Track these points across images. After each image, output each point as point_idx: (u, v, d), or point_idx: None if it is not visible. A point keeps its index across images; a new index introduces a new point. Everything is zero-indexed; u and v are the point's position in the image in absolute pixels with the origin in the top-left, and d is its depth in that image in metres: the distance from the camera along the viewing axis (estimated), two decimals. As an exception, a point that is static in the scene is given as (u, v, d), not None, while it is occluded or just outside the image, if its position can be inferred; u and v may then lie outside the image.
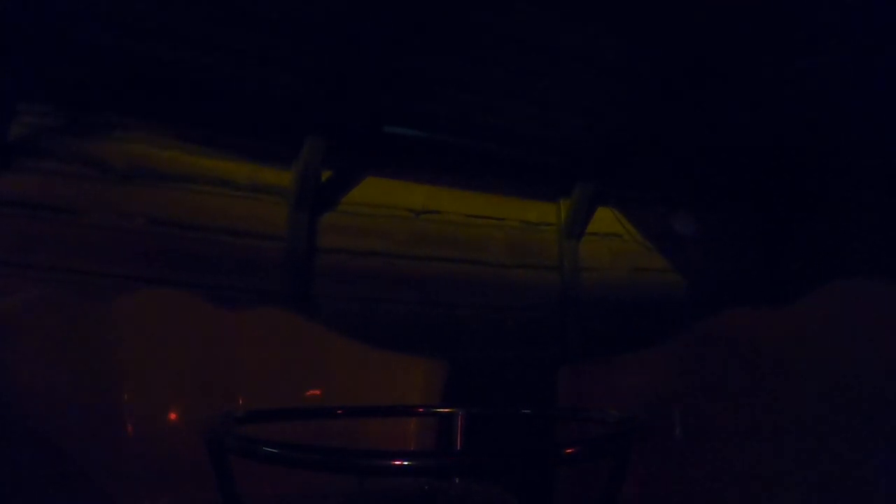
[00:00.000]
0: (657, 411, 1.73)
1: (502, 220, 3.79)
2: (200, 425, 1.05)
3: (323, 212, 3.31)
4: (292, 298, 3.08)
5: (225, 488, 1.04)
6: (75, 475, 1.59)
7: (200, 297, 2.24)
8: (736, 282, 4.09)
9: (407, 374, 2.09)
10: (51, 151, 2.77)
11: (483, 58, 2.91)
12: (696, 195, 4.22)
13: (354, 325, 2.45)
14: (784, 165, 4.00)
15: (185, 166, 3.04)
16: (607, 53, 2.93)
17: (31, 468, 1.49)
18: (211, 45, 2.72)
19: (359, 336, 2.33)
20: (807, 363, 1.41)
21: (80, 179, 2.81)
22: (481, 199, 3.76)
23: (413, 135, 3.50)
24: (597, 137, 3.64)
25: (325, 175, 3.32)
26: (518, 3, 2.58)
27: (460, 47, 2.84)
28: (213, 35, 2.67)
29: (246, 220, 3.12)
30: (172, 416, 1.92)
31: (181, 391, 1.97)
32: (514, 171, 3.83)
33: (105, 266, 2.76)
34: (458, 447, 1.48)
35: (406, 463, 0.92)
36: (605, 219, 4.01)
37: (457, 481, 1.39)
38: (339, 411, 1.74)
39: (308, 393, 2.11)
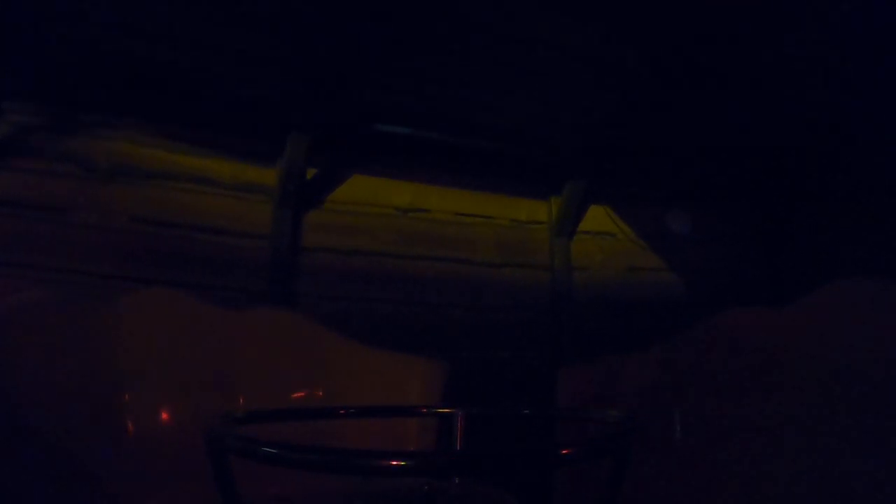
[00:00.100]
0: (657, 411, 1.76)
1: (491, 219, 3.80)
2: (200, 425, 1.06)
3: (308, 210, 3.34)
4: (276, 297, 3.10)
5: (225, 488, 1.05)
6: (74, 475, 1.59)
7: (200, 297, 2.26)
8: (733, 281, 4.09)
9: (406, 375, 2.11)
10: (36, 150, 2.81)
11: (471, 53, 2.91)
12: (692, 193, 4.21)
13: (340, 325, 2.45)
14: (782, 163, 4.00)
15: (170, 165, 3.07)
16: (598, 48, 2.92)
17: (31, 468, 1.49)
18: (195, 43, 2.74)
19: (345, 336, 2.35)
20: (807, 363, 1.44)
21: (65, 178, 2.84)
22: (470, 196, 3.77)
23: (400, 132, 3.51)
24: (587, 134, 3.64)
25: (311, 173, 3.34)
26: (506, -3, 2.59)
27: (447, 43, 2.83)
28: (197, 34, 2.69)
29: (230, 218, 3.14)
30: (173, 416, 1.93)
31: (181, 391, 1.99)
32: (504, 168, 3.84)
33: (89, 264, 2.80)
34: (458, 447, 1.49)
35: (406, 463, 0.93)
36: (598, 217, 4.02)
37: (456, 481, 1.40)
38: (342, 411, 1.75)
39: (308, 393, 2.12)
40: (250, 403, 2.07)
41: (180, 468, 1.55)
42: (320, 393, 2.14)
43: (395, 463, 0.93)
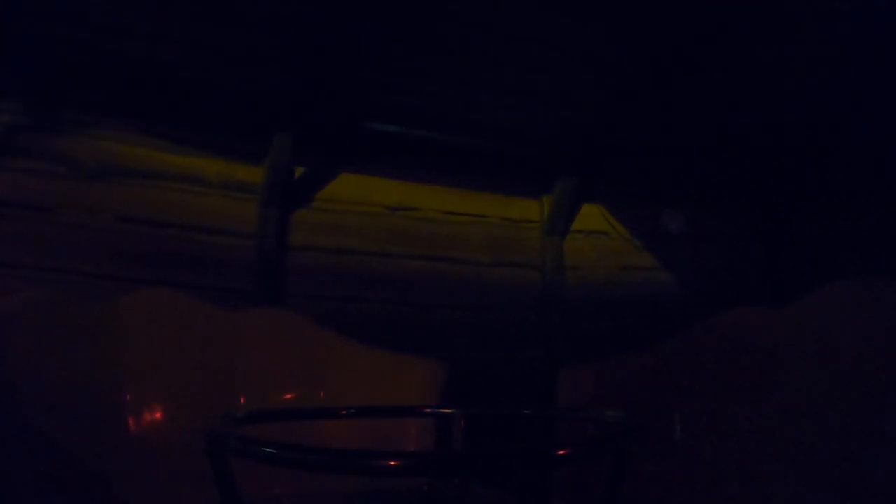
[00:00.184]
0: (656, 412, 1.77)
1: (482, 217, 3.80)
2: (200, 425, 1.07)
3: (295, 209, 3.34)
4: (262, 297, 3.11)
5: (225, 488, 1.05)
6: (74, 475, 1.59)
7: (200, 297, 2.27)
8: (730, 281, 4.11)
9: (394, 374, 2.12)
10: (21, 149, 2.81)
11: (462, 50, 2.92)
12: (688, 192, 4.21)
13: (326, 325, 2.46)
14: (781, 162, 4.01)
15: (156, 163, 3.07)
16: (590, 42, 2.92)
17: (30, 468, 1.49)
18: (181, 41, 2.75)
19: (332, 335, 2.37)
20: (807, 363, 1.46)
21: (51, 177, 2.84)
22: (460, 195, 3.77)
23: (389, 130, 3.52)
24: (579, 130, 3.65)
25: (299, 171, 3.35)
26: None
27: (438, 40, 2.84)
28: (183, 31, 2.70)
29: (217, 217, 3.15)
30: (172, 416, 1.93)
31: (181, 392, 1.99)
32: (495, 166, 3.84)
33: (75, 264, 2.81)
34: (458, 447, 1.51)
35: (406, 463, 0.94)
36: (592, 216, 4.02)
37: (456, 481, 1.41)
38: (342, 412, 1.76)
39: (300, 393, 2.13)
40: (255, 405, 2.08)
41: (180, 468, 1.55)
42: (328, 394, 2.15)
43: (395, 463, 0.94)
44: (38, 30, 2.64)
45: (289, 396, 2.16)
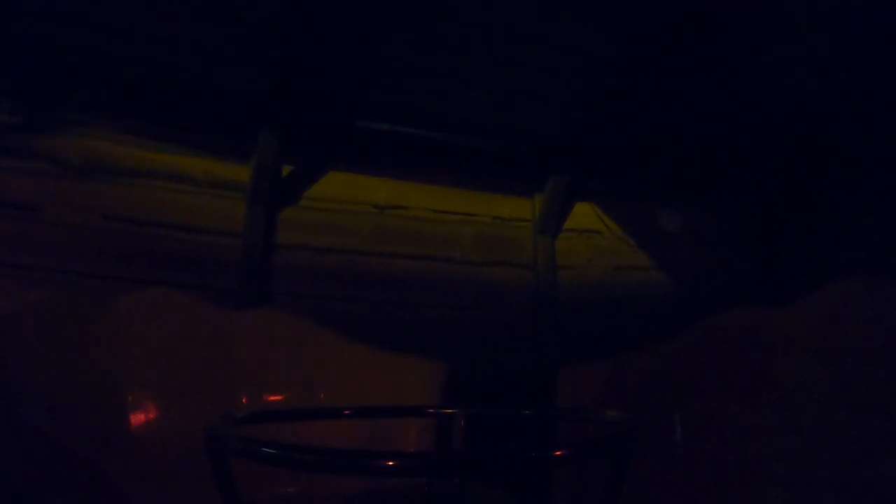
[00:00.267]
0: (655, 412, 1.78)
1: (473, 216, 3.79)
2: (200, 426, 1.07)
3: (283, 207, 3.35)
4: (248, 296, 3.11)
5: (225, 488, 1.06)
6: (74, 475, 1.60)
7: (200, 297, 2.28)
8: (727, 281, 4.11)
9: (395, 374, 2.13)
10: (8, 148, 2.82)
11: (451, 47, 2.93)
12: (683, 190, 4.22)
13: (315, 324, 2.47)
14: (780, 160, 4.02)
15: (143, 162, 3.10)
16: (583, 40, 2.93)
17: (29, 468, 1.50)
18: (167, 39, 2.79)
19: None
20: (807, 364, 1.47)
21: (38, 176, 2.87)
22: (450, 194, 3.77)
23: (378, 128, 3.52)
24: (572, 128, 3.65)
25: (287, 170, 3.37)
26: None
27: (425, 36, 2.85)
28: (169, 30, 2.75)
29: (204, 216, 3.17)
30: (172, 416, 1.94)
31: (181, 392, 2.00)
32: (486, 164, 3.84)
33: (62, 262, 2.83)
34: (459, 447, 1.51)
35: (406, 463, 0.95)
36: (585, 214, 4.02)
37: (456, 481, 1.42)
38: (342, 412, 1.77)
39: (300, 392, 2.14)
40: (255, 405, 2.09)
41: (180, 468, 1.56)
42: (328, 394, 2.17)
43: (395, 463, 0.95)
44: (25, 31, 2.67)
45: (279, 397, 2.18)
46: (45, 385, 1.81)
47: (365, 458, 0.97)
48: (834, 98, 3.30)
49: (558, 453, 1.07)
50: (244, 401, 2.10)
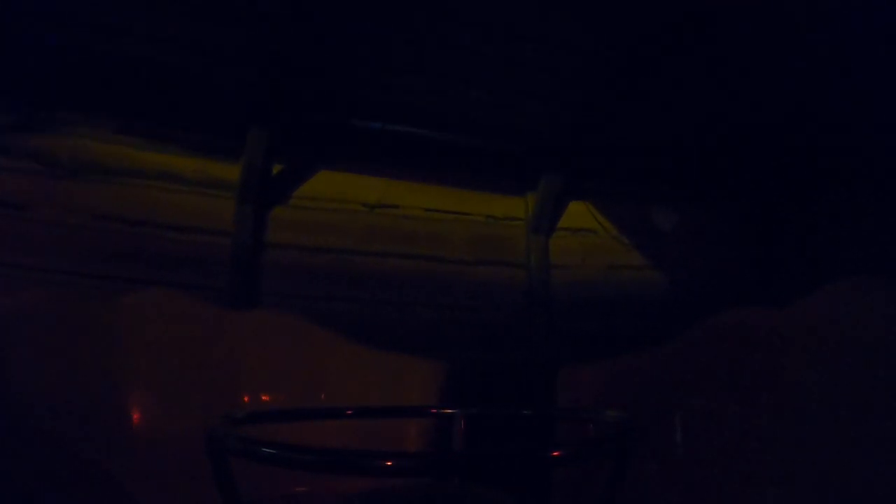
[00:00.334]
0: (656, 412, 1.78)
1: (465, 215, 3.80)
2: (201, 426, 1.08)
3: (273, 206, 3.37)
4: (237, 296, 3.12)
5: (225, 489, 1.07)
6: (74, 475, 1.60)
7: (200, 297, 2.30)
8: (725, 280, 4.11)
9: (397, 375, 2.14)
10: None
11: (441, 43, 2.92)
12: (680, 189, 4.22)
13: (305, 325, 2.48)
14: (777, 158, 4.02)
15: (133, 161, 3.12)
16: (576, 36, 2.92)
17: (30, 467, 1.50)
18: (158, 39, 2.80)
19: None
20: (807, 364, 1.47)
21: (27, 175, 2.89)
22: (442, 192, 3.77)
23: (369, 126, 3.53)
24: (565, 125, 3.63)
25: (277, 169, 3.38)
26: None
27: (417, 33, 2.84)
28: (160, 29, 2.75)
29: (193, 215, 3.18)
30: (173, 416, 1.95)
31: (181, 392, 2.01)
32: (478, 162, 3.84)
33: (52, 262, 2.85)
34: (459, 448, 1.52)
35: (406, 463, 0.95)
36: (579, 213, 4.02)
37: (456, 481, 1.43)
38: (342, 412, 1.77)
39: (301, 393, 2.15)
40: (255, 405, 2.11)
41: (180, 468, 1.57)
42: (327, 394, 2.18)
43: (395, 463, 0.95)
44: (16, 31, 2.69)
45: (271, 397, 2.19)
46: (38, 383, 1.82)
47: (365, 458, 0.97)
48: (834, 98, 3.29)
49: (558, 453, 1.08)
50: (233, 399, 2.11)
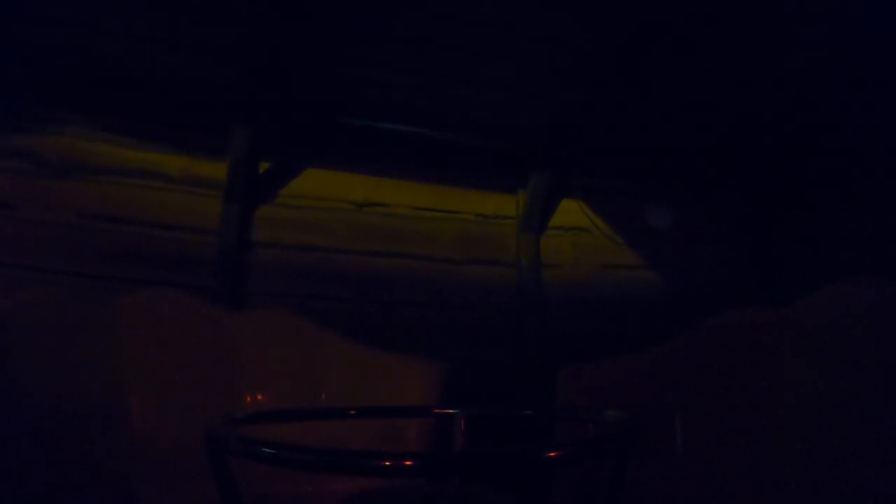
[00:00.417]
0: (654, 412, 1.79)
1: (454, 213, 3.77)
2: (198, 425, 1.08)
3: (259, 205, 3.36)
4: (223, 294, 3.12)
5: (225, 488, 1.07)
6: (74, 475, 1.61)
7: (199, 297, 2.31)
8: (721, 280, 4.10)
9: (395, 375, 2.14)
10: None
11: (430, 39, 2.89)
12: (676, 187, 4.21)
13: (289, 324, 2.48)
14: (776, 158, 4.01)
15: (120, 160, 3.12)
16: (565, 31, 2.88)
17: (29, 467, 1.51)
18: (143, 37, 2.79)
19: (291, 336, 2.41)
20: (805, 364, 1.48)
21: (15, 174, 2.90)
22: (431, 190, 3.75)
23: (357, 123, 3.51)
24: (554, 122, 3.60)
25: (264, 167, 3.38)
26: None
27: (405, 29, 2.82)
28: (145, 27, 2.73)
29: (180, 213, 3.18)
30: (173, 416, 1.95)
31: (181, 392, 2.02)
32: (468, 160, 3.81)
33: (38, 260, 2.85)
34: (459, 448, 1.52)
35: (406, 463, 0.96)
36: (571, 211, 3.99)
37: (456, 481, 1.43)
38: (342, 412, 1.78)
39: (303, 392, 2.16)
40: (255, 405, 2.12)
41: (180, 468, 1.57)
42: (327, 394, 2.19)
43: (395, 463, 0.96)
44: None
45: (263, 396, 2.21)
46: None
47: (364, 458, 0.98)
48: (834, 97, 3.29)
49: (558, 453, 1.08)
50: (231, 398, 2.12)
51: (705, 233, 4.23)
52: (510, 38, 2.91)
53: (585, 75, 3.22)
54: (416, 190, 3.71)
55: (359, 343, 2.41)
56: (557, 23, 2.84)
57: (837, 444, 1.37)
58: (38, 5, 2.55)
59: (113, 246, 3.00)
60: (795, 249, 4.10)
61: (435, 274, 3.64)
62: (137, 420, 1.94)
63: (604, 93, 3.35)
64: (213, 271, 3.16)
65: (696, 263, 4.14)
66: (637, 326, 3.80)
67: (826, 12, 2.62)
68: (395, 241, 3.59)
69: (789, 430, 1.46)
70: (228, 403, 2.12)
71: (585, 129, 3.67)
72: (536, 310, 3.76)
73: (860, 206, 3.78)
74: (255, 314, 2.51)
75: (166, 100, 3.19)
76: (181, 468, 1.56)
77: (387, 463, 0.96)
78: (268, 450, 0.96)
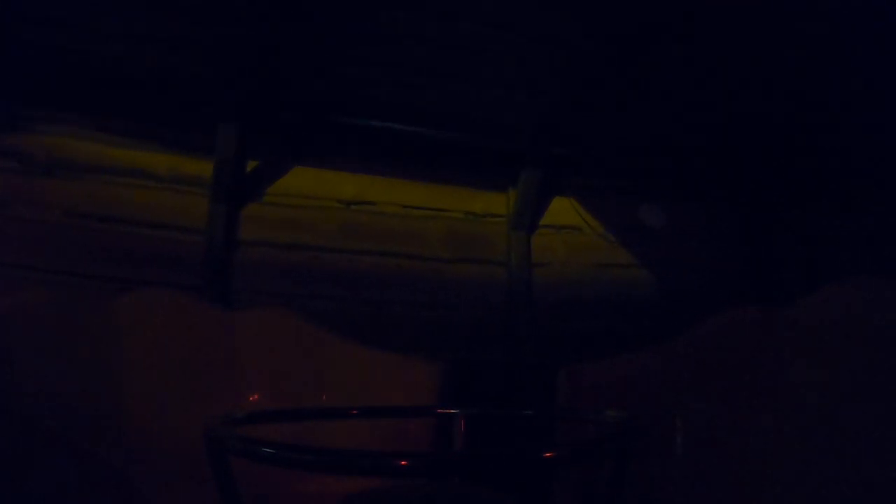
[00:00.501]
0: (657, 412, 1.79)
1: (443, 212, 3.75)
2: (197, 424, 1.08)
3: (246, 203, 3.35)
4: (210, 293, 3.11)
5: (225, 489, 1.07)
6: (74, 474, 1.61)
7: (189, 296, 2.31)
8: (718, 280, 4.08)
9: (396, 375, 2.15)
10: None
11: (419, 35, 2.88)
12: (670, 185, 4.18)
13: (279, 323, 2.47)
14: (775, 157, 4.00)
15: (107, 159, 3.13)
16: (557, 26, 2.87)
17: (28, 466, 1.50)
18: (128, 34, 2.79)
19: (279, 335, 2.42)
20: (805, 363, 1.48)
21: (3, 173, 2.90)
22: (420, 188, 3.73)
23: (344, 121, 3.49)
24: (547, 118, 3.57)
25: (251, 165, 3.38)
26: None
27: (393, 25, 2.80)
28: (128, 24, 2.74)
29: (167, 212, 3.18)
30: (173, 416, 1.96)
31: (181, 392, 2.02)
32: (457, 157, 3.78)
33: (25, 259, 2.85)
34: (459, 447, 1.52)
35: (406, 463, 0.96)
36: (563, 210, 3.96)
37: (456, 481, 1.43)
38: (342, 412, 1.78)
39: (300, 393, 2.17)
40: (255, 405, 2.13)
41: (180, 468, 1.58)
42: (328, 394, 2.20)
43: (395, 463, 0.96)
44: None
45: (254, 396, 2.21)
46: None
47: (364, 459, 0.98)
48: (834, 97, 3.29)
49: (558, 453, 1.08)
50: (229, 397, 2.13)
51: (703, 232, 4.21)
52: (503, 34, 2.90)
53: (580, 73, 3.21)
54: (405, 188, 3.70)
55: (349, 342, 2.41)
56: (553, 19, 2.83)
57: (838, 443, 1.37)
58: (26, 7, 2.56)
59: (101, 245, 3.01)
60: (795, 249, 4.09)
61: (425, 273, 3.62)
62: (132, 419, 1.94)
63: (600, 91, 3.34)
64: (201, 270, 3.15)
65: (694, 263, 4.12)
66: (632, 326, 3.79)
67: (826, 12, 2.62)
68: (383, 239, 3.58)
69: (789, 430, 1.47)
70: (221, 400, 2.12)
71: (580, 128, 3.66)
72: (528, 309, 3.73)
73: (860, 206, 3.78)
74: (245, 313, 2.51)
75: (154, 99, 3.20)
76: (177, 467, 1.57)
77: (387, 463, 0.96)
78: (268, 450, 0.96)
